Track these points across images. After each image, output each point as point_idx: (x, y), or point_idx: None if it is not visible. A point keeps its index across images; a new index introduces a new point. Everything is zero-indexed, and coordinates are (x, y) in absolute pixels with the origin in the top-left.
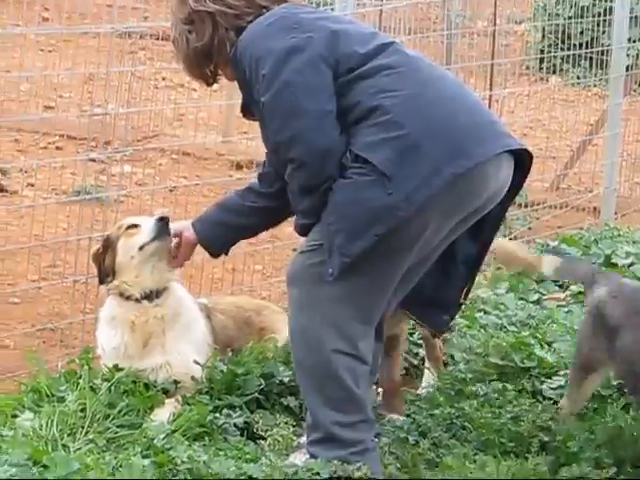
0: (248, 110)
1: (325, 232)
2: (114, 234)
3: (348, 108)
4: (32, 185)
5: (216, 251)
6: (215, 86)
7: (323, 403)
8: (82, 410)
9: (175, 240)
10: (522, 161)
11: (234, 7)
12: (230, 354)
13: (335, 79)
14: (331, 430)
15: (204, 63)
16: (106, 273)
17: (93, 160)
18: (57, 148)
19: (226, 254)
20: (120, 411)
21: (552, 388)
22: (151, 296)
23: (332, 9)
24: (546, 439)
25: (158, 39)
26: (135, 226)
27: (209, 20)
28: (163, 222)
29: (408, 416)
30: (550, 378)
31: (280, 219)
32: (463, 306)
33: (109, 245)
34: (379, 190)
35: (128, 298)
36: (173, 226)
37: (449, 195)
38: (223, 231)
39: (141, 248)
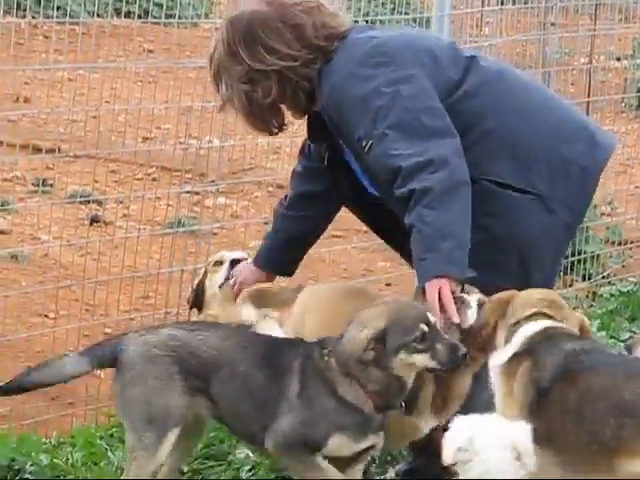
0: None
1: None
2: (206, 268)
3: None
4: (127, 216)
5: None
6: None
7: None
8: None
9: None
10: None
11: (297, 58)
12: None
13: None
14: None
15: (271, 116)
16: (198, 305)
17: (188, 192)
18: (153, 179)
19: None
20: (207, 443)
21: None
22: None
23: None
24: None
25: None
26: (220, 263)
27: (274, 76)
28: (236, 264)
29: None
30: None
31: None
32: None
33: (203, 280)
34: (539, 212)
35: None
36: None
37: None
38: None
39: (220, 287)
